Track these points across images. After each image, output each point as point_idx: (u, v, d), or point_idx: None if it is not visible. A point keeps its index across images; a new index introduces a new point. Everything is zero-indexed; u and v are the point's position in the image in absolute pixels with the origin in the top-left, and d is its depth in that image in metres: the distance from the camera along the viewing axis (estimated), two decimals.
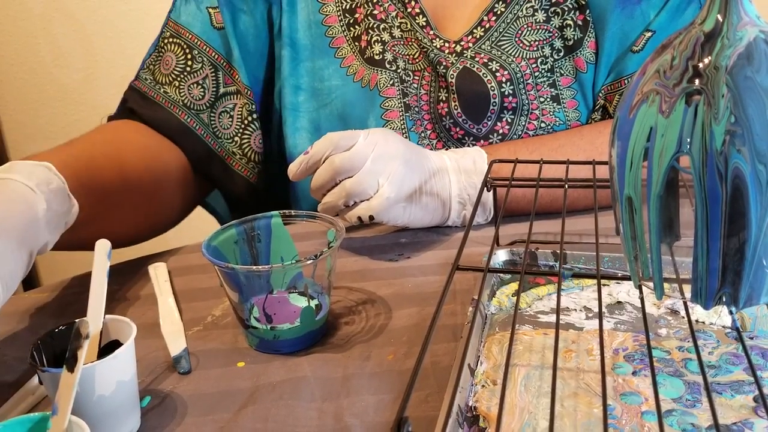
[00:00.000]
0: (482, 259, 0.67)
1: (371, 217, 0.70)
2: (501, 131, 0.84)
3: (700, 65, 0.39)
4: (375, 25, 0.86)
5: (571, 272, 0.52)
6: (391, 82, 0.86)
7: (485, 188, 0.66)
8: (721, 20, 0.39)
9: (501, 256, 0.67)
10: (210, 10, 0.87)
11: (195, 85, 0.87)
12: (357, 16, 0.87)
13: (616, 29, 0.83)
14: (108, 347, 0.51)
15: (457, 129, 0.84)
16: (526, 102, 0.84)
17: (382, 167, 0.69)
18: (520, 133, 0.84)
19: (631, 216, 0.43)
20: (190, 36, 0.87)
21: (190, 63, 0.87)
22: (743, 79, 0.37)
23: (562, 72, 0.84)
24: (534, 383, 0.51)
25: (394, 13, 0.86)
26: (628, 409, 0.47)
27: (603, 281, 0.60)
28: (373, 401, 0.52)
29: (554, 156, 0.78)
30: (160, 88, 0.87)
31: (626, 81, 0.84)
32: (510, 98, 0.83)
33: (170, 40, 0.88)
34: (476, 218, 0.76)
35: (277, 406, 0.52)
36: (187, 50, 0.87)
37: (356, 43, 0.86)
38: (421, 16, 0.85)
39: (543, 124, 0.84)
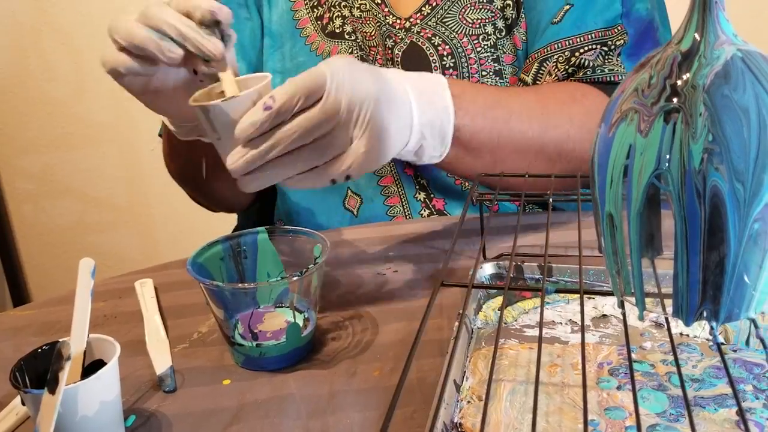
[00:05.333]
0: (469, 273, 0.67)
1: (348, 177, 0.61)
2: None
3: (678, 83, 0.39)
4: (336, 3, 0.93)
5: (555, 287, 0.52)
6: (349, 51, 0.92)
7: (471, 203, 0.66)
8: (698, 39, 0.40)
9: (487, 269, 0.68)
10: None
11: None
12: None
13: (542, 8, 0.86)
14: (92, 367, 0.51)
15: None
16: (467, 75, 0.88)
17: (356, 114, 0.60)
18: None
19: (613, 232, 0.43)
20: None
21: None
22: (720, 98, 0.38)
23: (505, 50, 0.88)
24: (519, 399, 0.51)
25: None
26: (612, 424, 0.47)
27: (588, 294, 0.60)
28: (359, 418, 0.52)
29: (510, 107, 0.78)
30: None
31: (545, 50, 0.86)
32: (450, 71, 0.88)
33: None
34: (432, 151, 0.70)
35: (262, 425, 0.52)
36: None
37: (318, 22, 0.94)
38: None
39: None
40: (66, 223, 1.98)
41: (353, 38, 0.91)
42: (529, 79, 0.87)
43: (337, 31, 0.92)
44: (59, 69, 1.85)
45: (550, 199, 0.64)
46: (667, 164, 0.38)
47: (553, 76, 0.86)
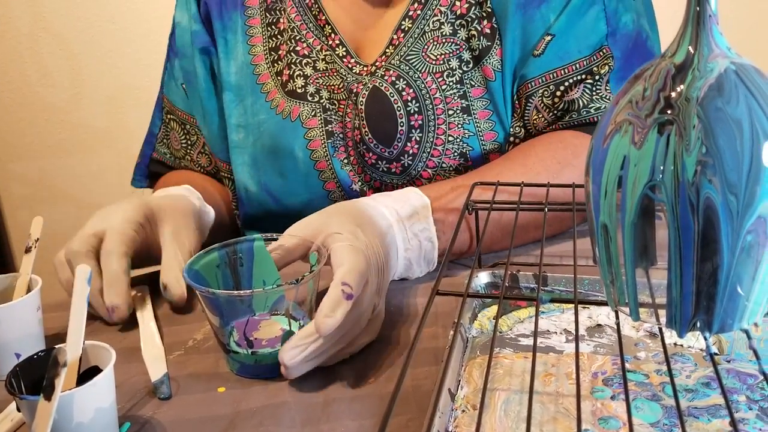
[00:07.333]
0: (464, 282, 0.68)
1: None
2: (411, 152, 0.85)
3: (672, 95, 0.39)
4: (297, 61, 0.90)
5: (550, 296, 0.53)
6: (312, 114, 0.89)
7: (467, 211, 0.67)
8: (692, 52, 0.40)
9: (483, 278, 0.68)
10: (182, 86, 0.98)
11: (200, 154, 1.00)
12: (280, 53, 0.91)
13: (518, 34, 0.83)
14: (87, 373, 0.51)
15: (370, 154, 0.86)
16: (432, 117, 0.85)
17: (377, 288, 0.63)
18: (429, 149, 0.85)
19: (607, 242, 0.43)
20: (179, 112, 1.00)
21: (187, 136, 1.00)
22: (714, 110, 0.38)
23: (473, 83, 0.85)
24: (514, 408, 0.51)
25: (318, 47, 0.90)
26: None
27: (583, 304, 0.60)
28: (354, 427, 0.52)
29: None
30: (179, 162, 1.02)
31: (530, 85, 0.84)
32: (416, 116, 0.85)
33: (169, 116, 1.01)
34: (419, 273, 0.74)
35: None
36: (182, 125, 1.00)
37: (278, 78, 0.91)
38: (340, 47, 0.89)
39: (451, 138, 0.85)
40: (62, 229, 1.97)
41: (316, 99, 0.89)
42: (518, 122, 0.86)
43: (299, 91, 0.89)
44: (56, 75, 1.85)
45: (546, 209, 0.64)
46: (660, 176, 0.39)
47: (541, 113, 0.84)
